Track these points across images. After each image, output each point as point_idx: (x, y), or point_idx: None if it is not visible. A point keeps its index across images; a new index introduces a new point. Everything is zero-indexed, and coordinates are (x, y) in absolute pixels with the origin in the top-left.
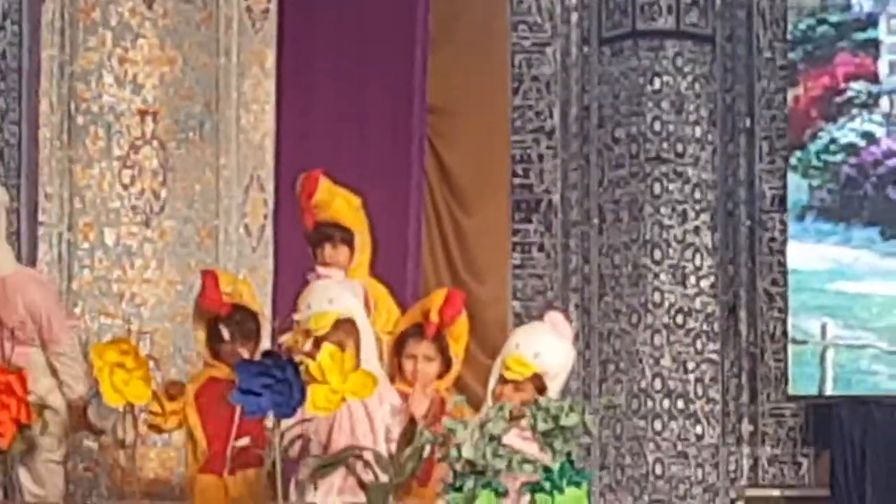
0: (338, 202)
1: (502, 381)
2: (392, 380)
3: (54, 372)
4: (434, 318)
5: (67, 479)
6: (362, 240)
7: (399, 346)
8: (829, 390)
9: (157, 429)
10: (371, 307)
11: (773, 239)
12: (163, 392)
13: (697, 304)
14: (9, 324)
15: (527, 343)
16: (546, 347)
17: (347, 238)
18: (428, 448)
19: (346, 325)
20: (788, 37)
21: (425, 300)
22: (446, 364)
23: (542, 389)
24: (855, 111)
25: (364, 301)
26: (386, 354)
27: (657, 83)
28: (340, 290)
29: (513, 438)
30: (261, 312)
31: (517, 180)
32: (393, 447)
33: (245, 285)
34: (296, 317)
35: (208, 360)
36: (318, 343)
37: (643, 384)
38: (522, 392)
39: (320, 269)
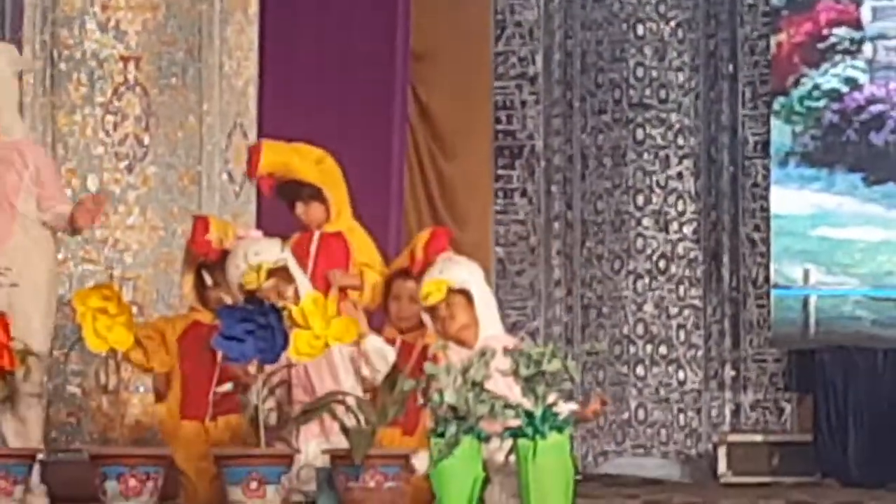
0: (295, 161)
1: (433, 316)
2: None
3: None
4: (419, 254)
5: (49, 424)
6: (333, 192)
7: (387, 289)
8: (811, 336)
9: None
10: (350, 252)
11: (755, 185)
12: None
13: (680, 249)
14: (12, 186)
15: (429, 274)
16: (444, 267)
17: (314, 193)
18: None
19: (280, 273)
20: None
21: (411, 242)
22: None
23: (469, 300)
24: (838, 57)
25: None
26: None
27: (640, 29)
28: (263, 244)
29: (498, 381)
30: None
31: (500, 126)
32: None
33: (235, 231)
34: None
35: (194, 304)
36: (252, 294)
37: (625, 330)
38: (455, 306)
39: (240, 231)
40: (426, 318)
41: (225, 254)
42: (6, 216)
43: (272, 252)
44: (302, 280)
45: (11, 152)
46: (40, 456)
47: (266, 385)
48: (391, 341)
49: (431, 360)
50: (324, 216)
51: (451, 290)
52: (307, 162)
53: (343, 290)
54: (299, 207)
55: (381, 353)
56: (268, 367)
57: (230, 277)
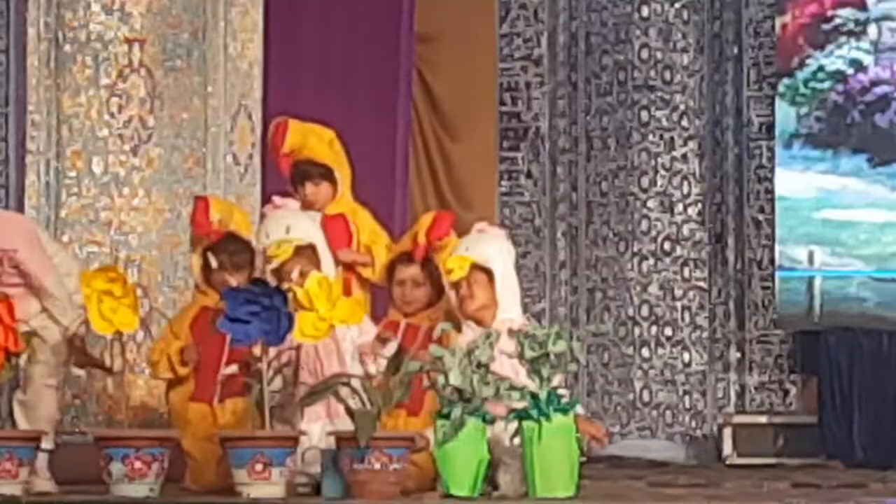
0: (311, 141)
1: (455, 290)
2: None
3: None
4: (421, 239)
5: (59, 406)
6: (342, 172)
7: (390, 273)
8: (816, 317)
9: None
10: (353, 233)
11: (760, 166)
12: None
13: (685, 231)
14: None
15: (458, 246)
16: (473, 241)
17: (326, 174)
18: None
19: (307, 252)
20: None
21: (415, 225)
22: (437, 292)
23: (491, 279)
24: (842, 39)
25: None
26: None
27: (645, 11)
28: (298, 219)
29: (504, 363)
30: (253, 242)
31: (505, 108)
32: (363, 367)
33: (241, 215)
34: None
35: (201, 285)
36: (278, 272)
37: (630, 311)
38: (477, 283)
39: (276, 200)
40: (450, 293)
41: (228, 235)
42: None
43: (303, 230)
44: (328, 262)
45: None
46: (47, 442)
47: (272, 367)
48: (395, 324)
49: (438, 342)
50: (330, 197)
51: (474, 267)
52: (322, 142)
53: (352, 269)
54: (309, 187)
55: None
56: (273, 350)
57: (258, 244)
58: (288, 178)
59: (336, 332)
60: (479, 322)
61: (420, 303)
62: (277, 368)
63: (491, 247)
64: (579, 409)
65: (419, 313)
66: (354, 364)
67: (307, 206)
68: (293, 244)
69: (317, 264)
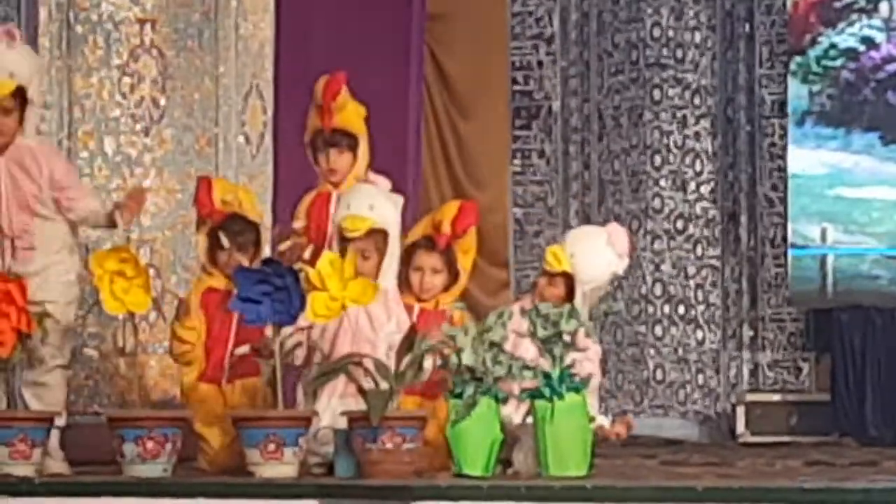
0: (350, 108)
1: (542, 272)
2: (400, 290)
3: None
4: (446, 229)
5: (67, 387)
6: (364, 148)
7: (408, 257)
8: (829, 295)
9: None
10: None
11: (772, 144)
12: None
13: (698, 209)
14: (27, 197)
15: (572, 241)
16: (584, 250)
17: (352, 145)
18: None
19: (377, 236)
20: None
21: (436, 212)
22: (453, 277)
23: (571, 292)
24: (854, 16)
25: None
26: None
27: None
28: (384, 200)
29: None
30: (261, 222)
31: (517, 87)
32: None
33: (246, 194)
34: (295, 224)
35: (207, 267)
36: (344, 243)
37: (643, 290)
38: (554, 288)
39: (371, 175)
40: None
41: (233, 215)
42: (28, 214)
43: (384, 213)
44: (394, 252)
45: (27, 157)
46: (60, 420)
47: (283, 348)
48: (409, 308)
49: (450, 322)
50: (349, 169)
51: (373, 230)
52: (358, 114)
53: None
54: (334, 154)
55: None
56: (285, 331)
57: (335, 214)
58: (309, 141)
59: (350, 312)
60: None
61: (437, 290)
62: (288, 350)
63: (596, 265)
64: (604, 422)
65: (433, 298)
66: (389, 359)
67: (326, 174)
68: (369, 224)
69: (382, 252)
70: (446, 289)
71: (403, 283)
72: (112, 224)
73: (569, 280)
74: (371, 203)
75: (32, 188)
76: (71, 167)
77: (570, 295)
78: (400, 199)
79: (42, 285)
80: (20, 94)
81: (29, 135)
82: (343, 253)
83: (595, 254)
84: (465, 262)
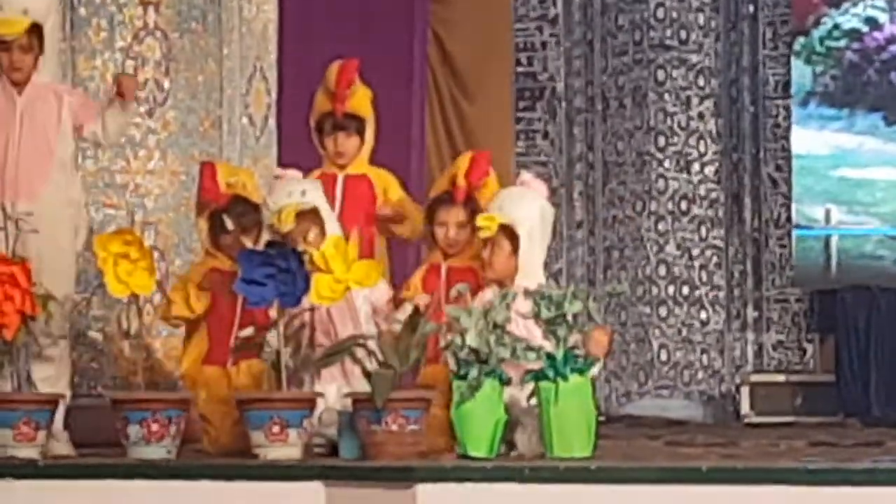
0: (360, 92)
1: (483, 244)
2: (427, 248)
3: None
4: (461, 182)
5: (75, 369)
6: (371, 131)
7: (431, 214)
8: (833, 276)
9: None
10: (376, 195)
11: (776, 125)
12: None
13: (702, 190)
14: (51, 127)
15: (493, 203)
16: (509, 200)
17: (359, 128)
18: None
19: (308, 216)
20: None
21: (451, 167)
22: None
23: (517, 244)
24: None
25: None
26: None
27: None
28: (294, 185)
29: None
30: (263, 203)
31: (521, 68)
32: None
33: (248, 176)
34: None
35: (210, 250)
36: (288, 241)
37: (648, 271)
38: (498, 249)
39: (278, 171)
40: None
41: (235, 197)
42: (44, 158)
43: (299, 194)
44: (333, 222)
45: (48, 93)
46: (64, 401)
47: (287, 329)
48: (437, 267)
49: (455, 303)
50: (356, 151)
51: (501, 228)
52: (367, 98)
53: (385, 227)
54: (341, 137)
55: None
56: (290, 311)
57: (265, 216)
58: (314, 125)
59: (351, 294)
60: (500, 286)
61: (463, 243)
62: (293, 331)
63: (524, 208)
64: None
65: (461, 254)
66: (368, 324)
67: (333, 157)
68: (293, 209)
69: (321, 225)
70: (471, 243)
71: (430, 239)
72: (119, 102)
73: (508, 235)
74: (288, 192)
75: (52, 121)
76: (80, 94)
77: (515, 252)
78: (386, 177)
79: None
80: (37, 32)
81: (45, 74)
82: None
83: (517, 198)
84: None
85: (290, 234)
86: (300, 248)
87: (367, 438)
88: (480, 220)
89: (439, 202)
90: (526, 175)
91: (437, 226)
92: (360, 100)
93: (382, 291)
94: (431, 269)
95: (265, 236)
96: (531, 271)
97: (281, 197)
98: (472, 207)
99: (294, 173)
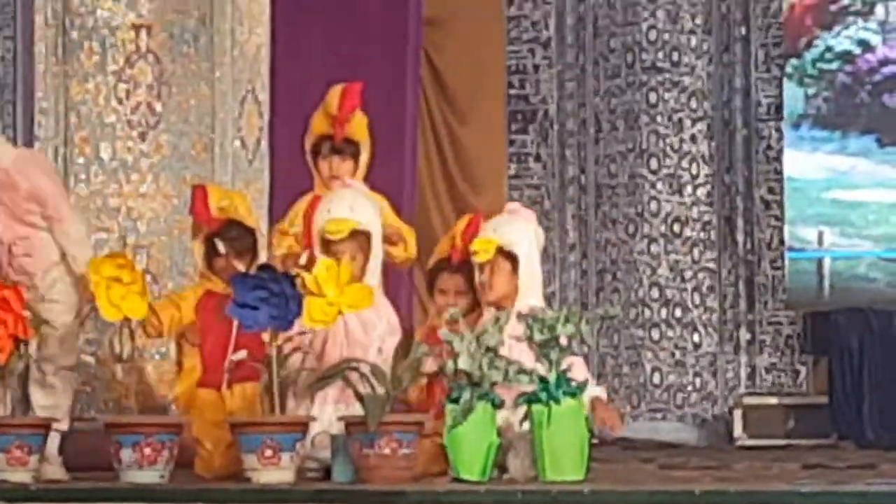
0: (357, 117)
1: (479, 269)
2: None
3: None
4: (458, 242)
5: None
6: (366, 155)
7: (431, 281)
8: (826, 298)
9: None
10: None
11: (769, 147)
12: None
13: (694, 213)
14: (16, 210)
15: (485, 228)
16: (501, 223)
17: (354, 152)
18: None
19: (360, 238)
20: None
21: (451, 230)
22: (477, 298)
23: (516, 267)
24: (850, 19)
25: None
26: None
27: None
28: (363, 201)
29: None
30: (257, 228)
31: (513, 91)
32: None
33: (241, 199)
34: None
35: (205, 273)
36: (328, 247)
37: (640, 293)
38: (498, 271)
39: (346, 178)
40: (477, 274)
41: (229, 222)
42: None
43: (365, 215)
44: (378, 254)
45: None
46: (63, 425)
47: (280, 353)
48: (436, 330)
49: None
50: (351, 174)
51: (499, 252)
52: (363, 123)
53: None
54: (336, 161)
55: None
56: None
57: (315, 220)
58: (310, 147)
59: (345, 318)
60: (499, 309)
61: (462, 311)
62: (286, 354)
63: (518, 230)
64: (601, 393)
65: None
66: (380, 360)
67: (328, 180)
68: (351, 226)
69: (367, 253)
70: (472, 310)
71: (430, 307)
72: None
73: (506, 257)
74: (351, 205)
75: (17, 201)
76: (53, 183)
77: (515, 271)
78: (380, 200)
79: (42, 290)
80: None
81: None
82: (327, 257)
83: (508, 221)
84: None
85: (333, 247)
86: (292, 272)
87: (360, 462)
88: (476, 244)
89: (439, 269)
90: (513, 204)
91: (437, 292)
92: (358, 124)
93: (397, 330)
94: (431, 331)
95: (263, 256)
96: (532, 292)
97: (340, 207)
98: (472, 276)
99: (361, 187)
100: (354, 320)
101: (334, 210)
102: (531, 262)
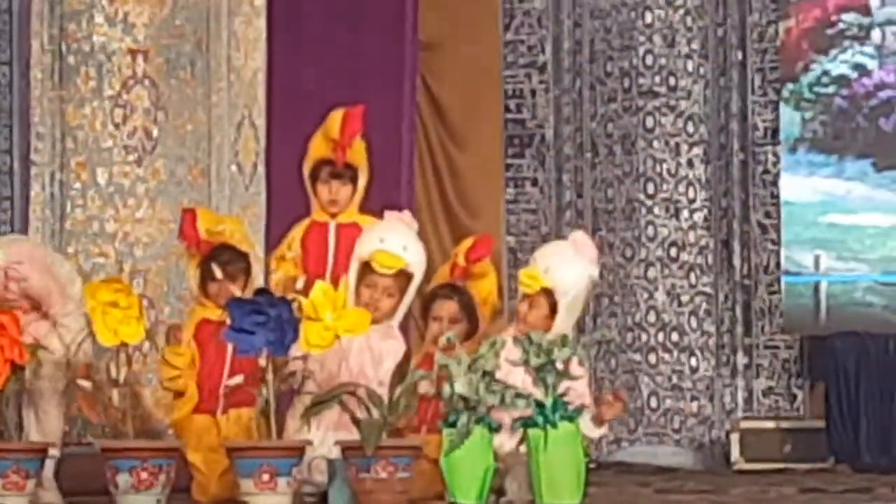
0: (357, 142)
1: (520, 297)
2: (421, 339)
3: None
4: (461, 261)
5: (66, 419)
6: (364, 179)
7: (426, 307)
8: (823, 322)
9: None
10: None
11: (765, 171)
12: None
13: (691, 237)
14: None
15: (542, 258)
16: (557, 263)
17: (353, 177)
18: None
19: (401, 278)
20: None
21: (452, 253)
22: (473, 326)
23: (554, 308)
24: (846, 43)
25: None
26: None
27: (648, 17)
28: (415, 242)
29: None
30: (252, 252)
31: (510, 115)
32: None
33: (236, 224)
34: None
35: (200, 299)
36: (367, 276)
37: (637, 317)
38: (536, 309)
39: (406, 214)
40: (518, 300)
41: (221, 245)
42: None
43: (416, 256)
44: (411, 297)
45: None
46: (54, 451)
47: (278, 377)
48: (431, 357)
49: (444, 351)
50: (348, 200)
51: (542, 289)
52: (362, 148)
53: None
54: (335, 185)
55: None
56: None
57: (359, 244)
58: (309, 171)
59: (354, 347)
60: None
61: (458, 339)
62: (284, 377)
63: (569, 279)
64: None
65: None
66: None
67: (326, 205)
68: (403, 265)
69: (401, 295)
70: (468, 337)
71: (424, 332)
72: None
73: (549, 297)
74: (405, 244)
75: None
76: (49, 278)
77: (552, 313)
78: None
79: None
80: None
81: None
82: (361, 283)
83: (567, 262)
84: (483, 309)
85: (373, 279)
86: (291, 296)
87: (357, 486)
88: (523, 276)
89: (436, 296)
90: (579, 234)
91: (432, 319)
92: (358, 149)
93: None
94: (426, 359)
95: (259, 280)
96: (561, 330)
97: (395, 241)
98: (468, 303)
99: (412, 224)
100: (368, 355)
101: (389, 243)
102: (572, 310)
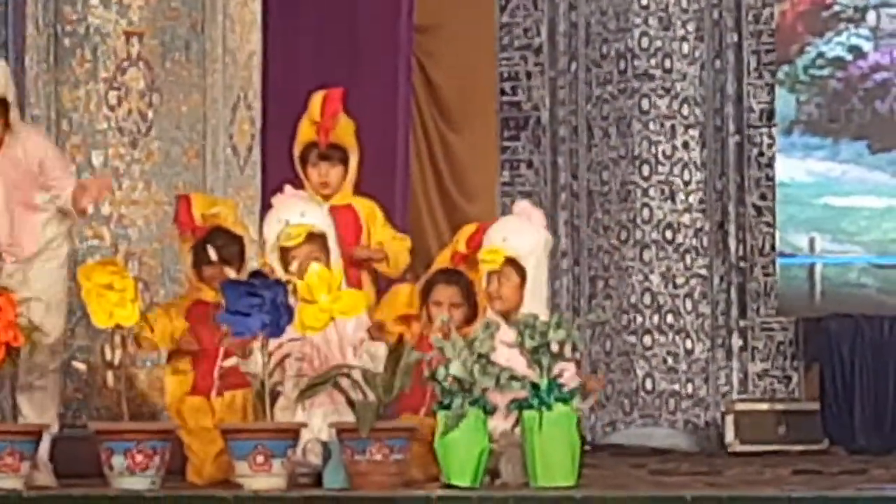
0: (343, 122)
1: (487, 277)
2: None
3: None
4: (461, 247)
5: (62, 400)
6: (354, 161)
7: (426, 292)
8: (817, 304)
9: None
10: (363, 228)
11: (761, 154)
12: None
13: (686, 219)
14: (26, 183)
15: (496, 231)
16: (511, 230)
17: (343, 158)
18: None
19: (318, 240)
20: None
21: (453, 239)
22: (473, 311)
23: (524, 276)
24: (842, 25)
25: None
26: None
27: None
28: (312, 206)
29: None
30: (246, 235)
31: (505, 98)
32: (361, 361)
33: (229, 207)
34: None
35: (194, 281)
36: (285, 256)
37: (632, 300)
38: (506, 280)
39: (288, 188)
40: (485, 282)
41: (216, 229)
42: (31, 222)
43: (317, 217)
44: (336, 253)
45: (19, 150)
46: (53, 428)
47: (272, 358)
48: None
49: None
50: (340, 181)
51: (507, 261)
52: (350, 128)
53: (363, 265)
54: (324, 167)
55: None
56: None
57: (266, 233)
58: (298, 155)
59: (338, 324)
60: (506, 318)
61: (457, 323)
62: (278, 360)
63: (528, 241)
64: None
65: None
66: (357, 359)
67: (317, 187)
68: (307, 229)
69: (327, 254)
70: (468, 322)
71: (425, 318)
72: (76, 210)
73: (515, 266)
74: (301, 210)
75: (28, 178)
76: (58, 153)
77: (523, 281)
78: (372, 206)
79: (32, 277)
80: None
81: (17, 129)
82: (285, 264)
83: (521, 228)
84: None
85: (292, 252)
86: (292, 267)
87: (352, 468)
88: (483, 254)
89: (436, 280)
90: (523, 203)
91: (432, 304)
92: (344, 130)
93: (365, 326)
94: (424, 342)
95: (253, 264)
96: (537, 301)
97: (292, 213)
98: (467, 287)
99: (305, 194)
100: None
101: (286, 217)
102: (539, 273)
